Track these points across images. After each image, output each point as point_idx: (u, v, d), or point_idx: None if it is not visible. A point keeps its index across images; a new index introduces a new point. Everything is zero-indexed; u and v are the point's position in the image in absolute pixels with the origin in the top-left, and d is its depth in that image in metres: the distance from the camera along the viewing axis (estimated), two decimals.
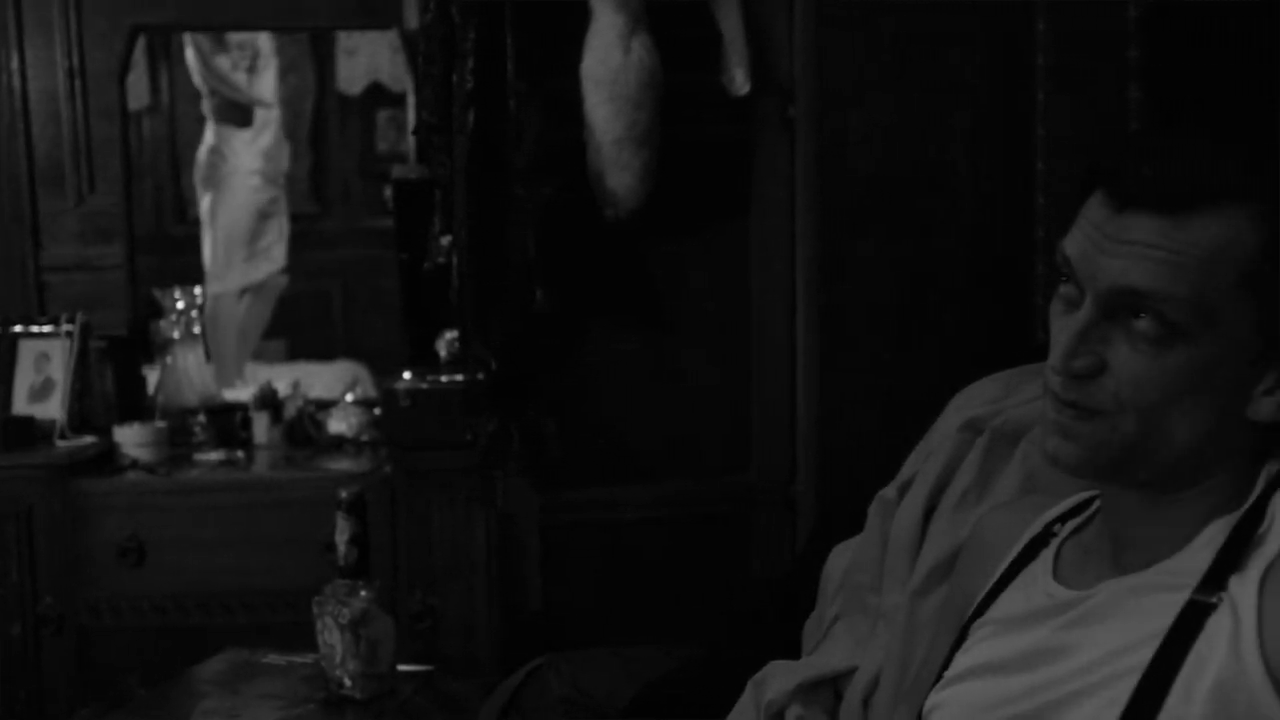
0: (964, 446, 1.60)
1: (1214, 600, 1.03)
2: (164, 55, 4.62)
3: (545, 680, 1.97)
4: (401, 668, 2.05)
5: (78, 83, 3.15)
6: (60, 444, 3.02)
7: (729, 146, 2.36)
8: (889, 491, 1.69)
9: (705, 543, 2.43)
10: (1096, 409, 1.06)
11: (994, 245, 2.36)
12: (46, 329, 3.13)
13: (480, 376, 2.23)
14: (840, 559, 1.76)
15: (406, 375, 2.82)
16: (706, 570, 2.43)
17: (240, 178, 4.17)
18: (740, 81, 2.22)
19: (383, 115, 4.94)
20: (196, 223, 4.29)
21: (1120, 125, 2.14)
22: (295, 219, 4.50)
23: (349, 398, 3.33)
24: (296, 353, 4.56)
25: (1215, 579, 1.04)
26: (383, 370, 3.27)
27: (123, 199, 3.24)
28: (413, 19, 3.01)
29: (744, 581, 2.40)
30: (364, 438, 3.19)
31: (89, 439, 3.06)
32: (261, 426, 3.21)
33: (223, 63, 4.08)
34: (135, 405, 3.23)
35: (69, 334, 3.09)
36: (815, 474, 2.38)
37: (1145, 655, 1.03)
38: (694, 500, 2.43)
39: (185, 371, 3.31)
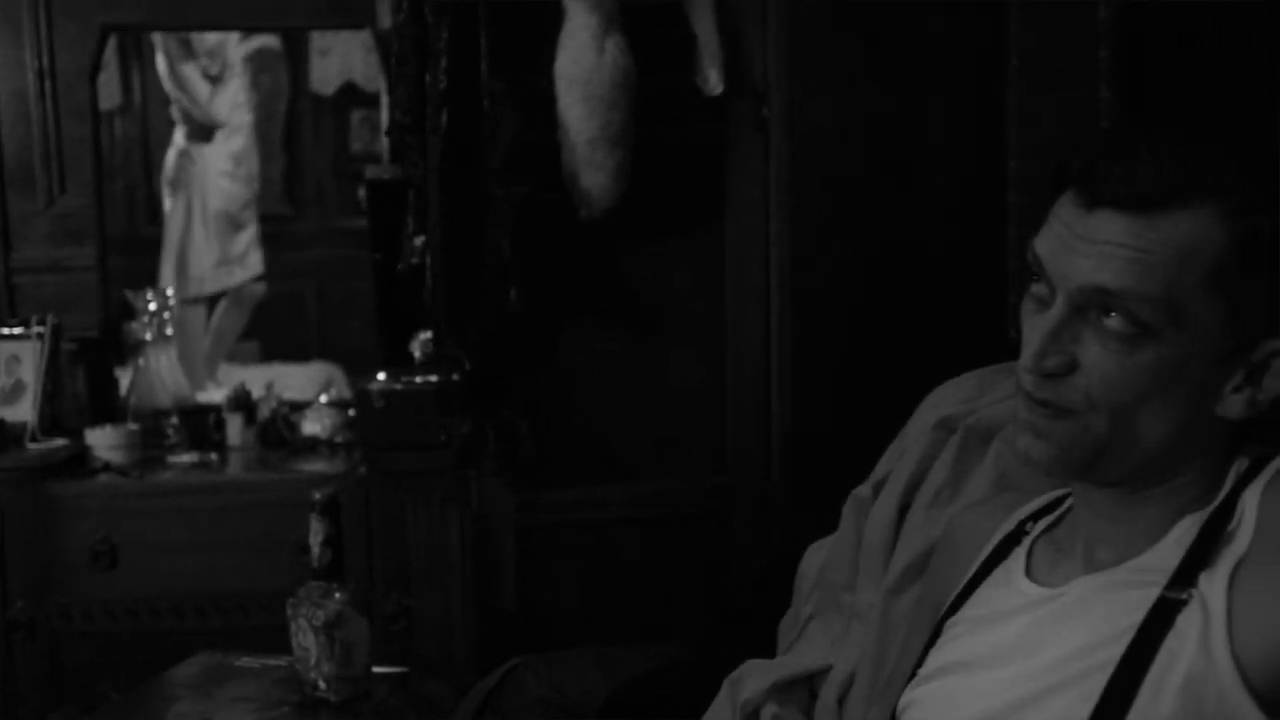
0: (937, 445, 1.61)
1: (1184, 597, 1.03)
2: (136, 55, 4.59)
3: (521, 680, 1.96)
4: (376, 669, 2.04)
5: (48, 83, 3.13)
6: (31, 447, 3.00)
7: (704, 147, 2.36)
8: (863, 490, 1.69)
9: (682, 542, 2.44)
10: (1068, 408, 1.07)
11: (967, 245, 2.37)
12: (17, 331, 3.10)
13: (455, 377, 2.22)
14: (815, 558, 1.76)
15: (381, 376, 2.81)
16: (684, 569, 2.43)
17: (209, 180, 4.15)
18: (714, 82, 2.22)
19: (356, 115, 4.92)
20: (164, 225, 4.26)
21: (1092, 125, 2.16)
22: (269, 220, 4.48)
23: (323, 399, 3.31)
24: (270, 354, 4.54)
25: (1185, 576, 1.05)
26: (357, 371, 3.25)
27: (94, 200, 3.21)
28: (386, 18, 3.00)
29: (720, 580, 2.41)
30: (338, 439, 3.18)
31: (60, 442, 3.04)
32: (235, 428, 3.19)
33: (189, 71, 4.04)
34: (107, 407, 3.21)
35: (40, 336, 3.07)
36: (789, 473, 2.39)
37: (1116, 651, 1.03)
38: (671, 500, 2.43)
39: (158, 373, 3.29)
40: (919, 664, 1.21)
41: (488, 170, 2.15)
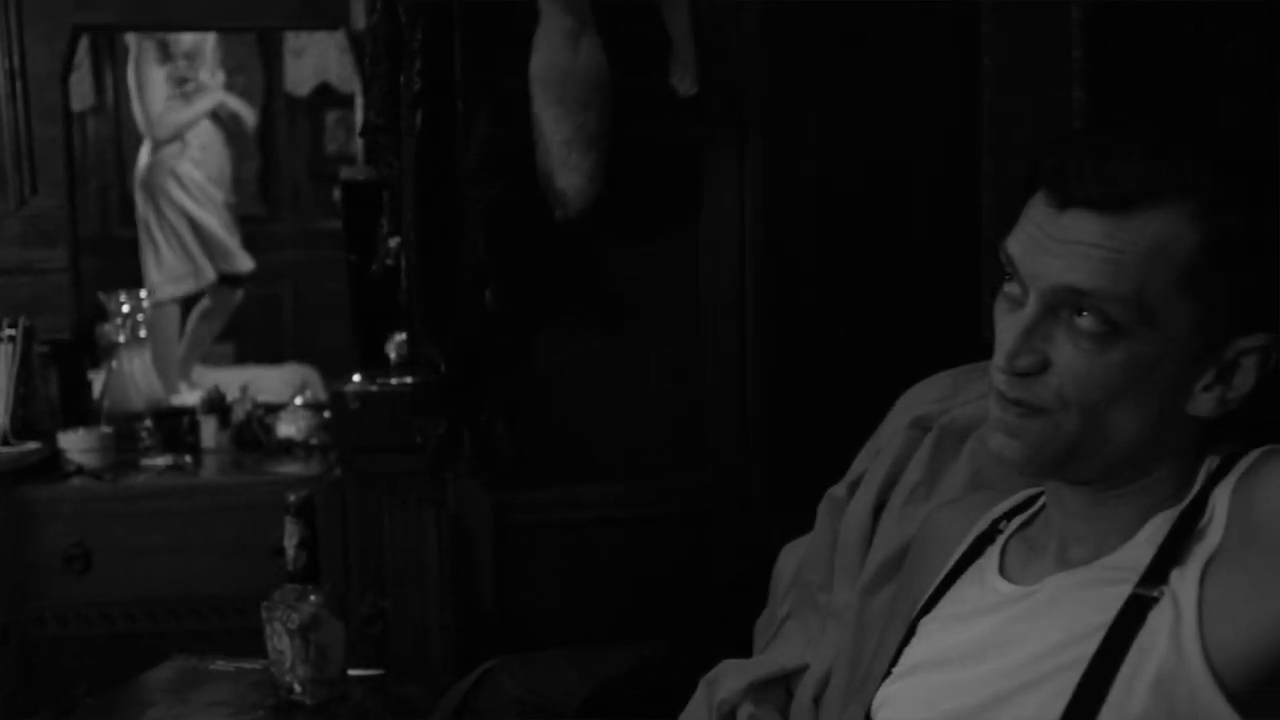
0: (912, 444, 1.61)
1: (1156, 594, 1.04)
2: (108, 55, 4.57)
3: (498, 681, 1.96)
4: (352, 672, 2.04)
5: (19, 84, 3.11)
6: (3, 450, 2.98)
7: (679, 147, 2.36)
8: (838, 489, 1.70)
9: (660, 542, 2.44)
10: (1040, 406, 1.07)
11: (941, 244, 2.38)
12: None
13: (430, 378, 2.22)
14: (791, 557, 1.77)
15: (356, 378, 2.80)
16: (661, 569, 2.43)
17: (182, 184, 4.12)
18: (688, 83, 2.22)
19: (331, 116, 4.92)
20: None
21: (1065, 125, 2.17)
22: (245, 221, 4.46)
23: (298, 401, 3.31)
24: (245, 356, 4.53)
25: (1157, 573, 1.05)
26: (333, 373, 3.25)
27: (66, 201, 3.20)
28: (360, 19, 2.99)
29: (698, 581, 2.41)
30: (313, 441, 3.18)
31: (32, 445, 3.02)
32: (209, 431, 3.18)
33: (157, 75, 4.00)
34: (80, 410, 3.20)
35: (12, 339, 3.05)
36: (766, 473, 2.39)
37: (1089, 648, 1.04)
38: (649, 500, 2.43)
39: (131, 376, 3.28)
40: (893, 662, 1.21)
41: (462, 171, 2.15)
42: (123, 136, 4.55)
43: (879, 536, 1.58)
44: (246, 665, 2.12)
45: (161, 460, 3.09)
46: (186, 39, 4.02)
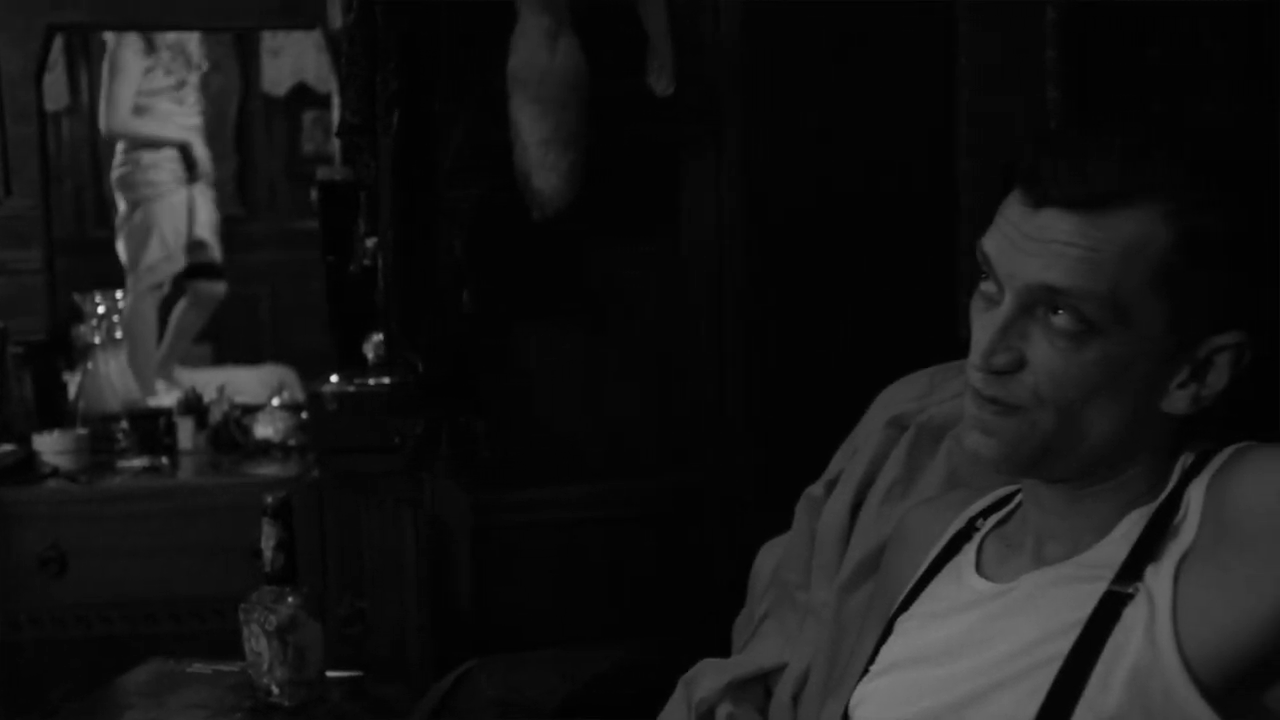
0: (889, 443, 1.61)
1: (1130, 591, 1.05)
2: (83, 55, 4.54)
3: (477, 682, 1.96)
4: (331, 673, 2.03)
5: None
6: None
7: (657, 147, 2.36)
8: (816, 488, 1.70)
9: (640, 542, 2.43)
10: (1016, 404, 1.08)
11: (919, 243, 2.38)
12: None
13: (408, 379, 2.21)
14: (769, 556, 1.77)
15: (334, 379, 2.80)
16: (642, 570, 2.43)
17: (161, 183, 4.10)
18: (665, 83, 2.22)
19: (309, 116, 4.90)
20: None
21: (1041, 125, 2.17)
22: (222, 221, 4.45)
23: (275, 402, 3.30)
24: (223, 357, 4.52)
25: (1132, 570, 1.06)
26: (311, 374, 3.24)
27: (41, 201, 3.18)
28: (337, 19, 2.99)
29: (678, 580, 2.41)
30: (291, 442, 3.17)
31: (7, 447, 3.00)
32: (186, 432, 3.17)
33: (135, 66, 3.97)
34: (55, 412, 3.18)
35: None
36: (745, 472, 2.40)
37: (1064, 645, 1.04)
38: (628, 500, 2.42)
39: (107, 377, 3.26)
40: (871, 660, 1.22)
41: (440, 171, 2.14)
42: (97, 137, 4.52)
43: (856, 535, 1.59)
44: (224, 667, 2.12)
45: (138, 462, 3.08)
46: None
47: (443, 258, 2.18)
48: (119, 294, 3.41)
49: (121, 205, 4.08)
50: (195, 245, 4.09)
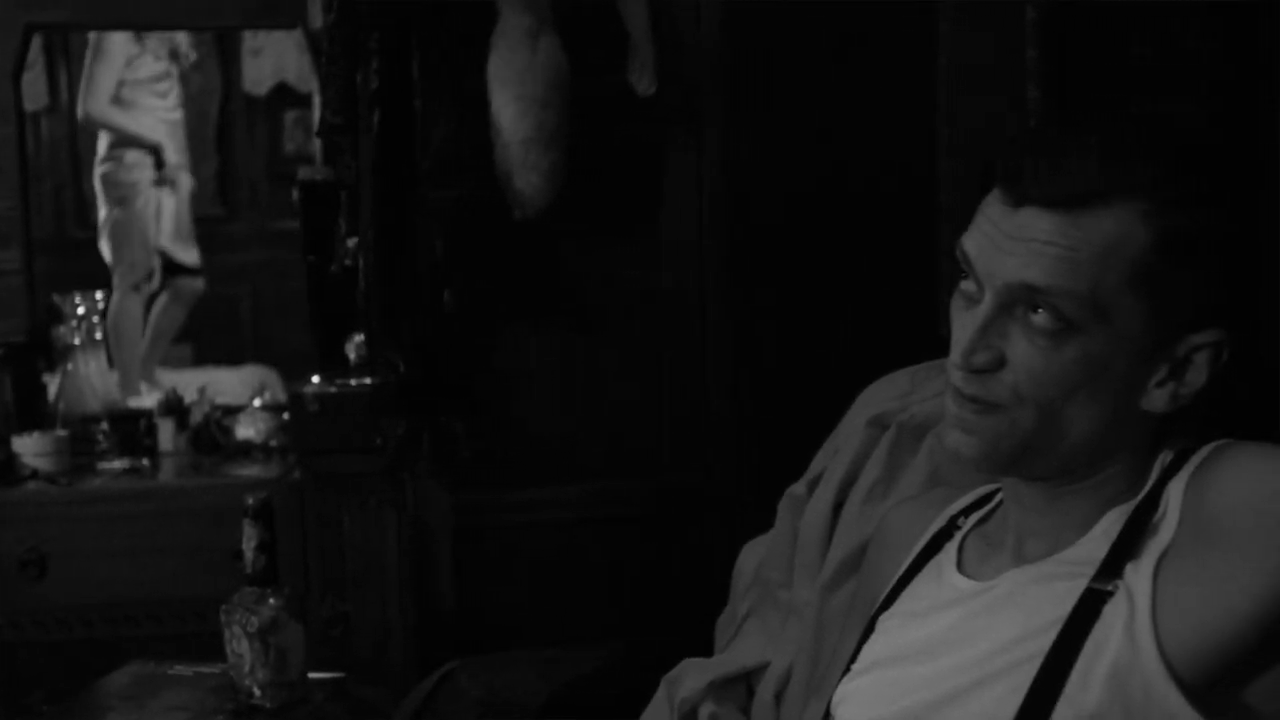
0: (871, 442, 1.62)
1: (1110, 588, 1.05)
2: (62, 54, 4.52)
3: (459, 683, 1.96)
4: (313, 675, 2.02)
5: None
6: None
7: (638, 146, 2.36)
8: (798, 488, 1.70)
9: (621, 543, 2.44)
10: (996, 403, 1.08)
11: (899, 243, 2.39)
12: None
13: (389, 379, 2.21)
14: (751, 556, 1.77)
15: (315, 379, 2.79)
16: (622, 569, 2.44)
17: (143, 181, 4.08)
18: (647, 82, 2.22)
19: (290, 116, 4.88)
20: (97, 226, 4.19)
21: (1021, 124, 2.18)
22: (202, 221, 4.43)
23: (257, 403, 3.29)
24: (203, 358, 4.50)
25: (1112, 567, 1.06)
26: (292, 375, 3.23)
27: (20, 202, 3.16)
28: (317, 18, 2.98)
29: (659, 580, 2.41)
30: (273, 443, 3.16)
31: None
32: (167, 434, 3.15)
33: (118, 51, 3.94)
34: (35, 414, 3.16)
35: None
36: (726, 472, 2.40)
37: (1045, 643, 1.05)
38: (610, 500, 2.43)
39: (87, 378, 3.24)
40: (853, 658, 1.22)
41: (420, 171, 2.14)
42: (77, 137, 4.50)
43: (838, 534, 1.59)
44: (205, 670, 2.10)
45: (118, 464, 3.06)
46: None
47: (424, 257, 2.18)
48: (99, 295, 3.39)
49: (104, 203, 4.07)
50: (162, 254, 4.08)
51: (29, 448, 3.00)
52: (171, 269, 4.10)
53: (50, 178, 4.65)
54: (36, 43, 3.44)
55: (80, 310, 3.27)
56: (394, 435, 2.22)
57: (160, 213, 4.04)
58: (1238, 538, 1.02)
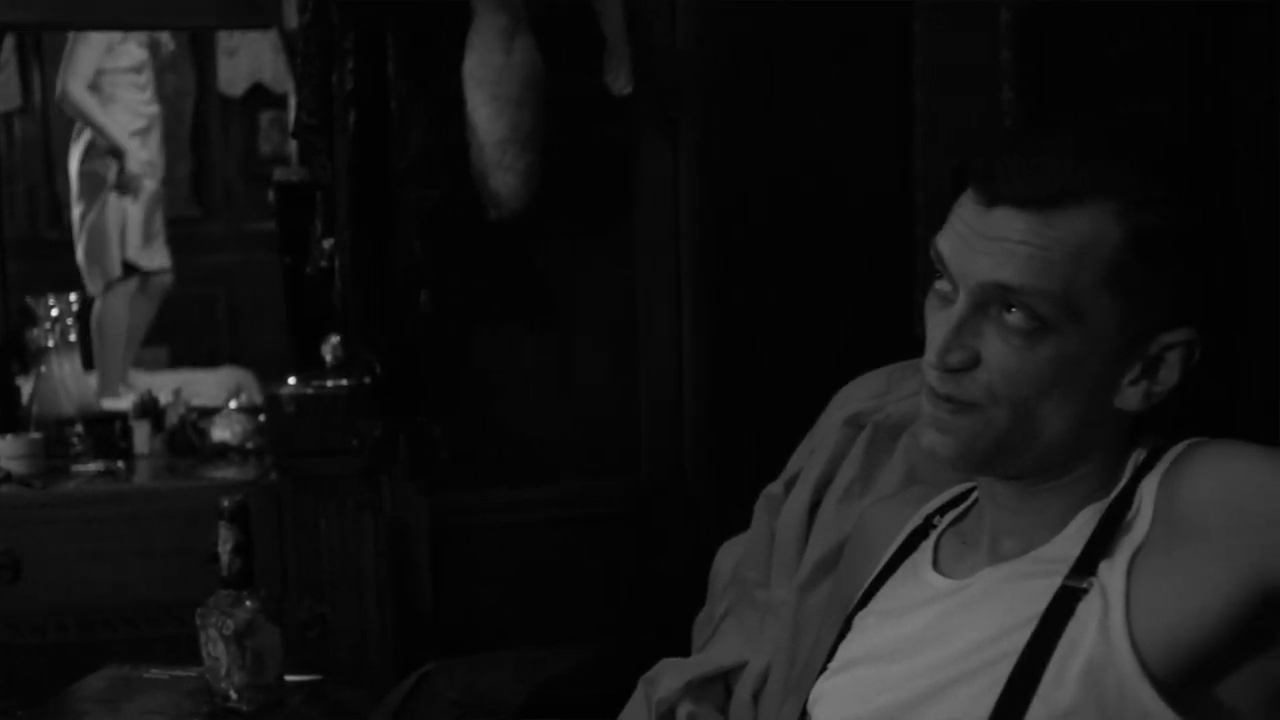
0: (847, 441, 1.62)
1: (1084, 585, 1.05)
2: (35, 55, 4.49)
3: (437, 685, 1.95)
4: (290, 678, 2.02)
5: None
6: None
7: (614, 146, 2.36)
8: (775, 487, 1.70)
9: (598, 542, 2.44)
10: (970, 402, 1.08)
11: (875, 242, 2.40)
12: None
13: (366, 381, 2.20)
14: (729, 555, 1.77)
15: (291, 381, 2.78)
16: (600, 570, 2.44)
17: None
18: (622, 82, 2.23)
19: (266, 117, 4.87)
20: (70, 227, 4.17)
21: (996, 125, 2.19)
22: (177, 222, 4.41)
23: (233, 405, 3.27)
24: (179, 360, 4.48)
25: (1086, 564, 1.07)
26: (269, 376, 3.22)
27: None
28: (293, 18, 2.96)
29: (636, 580, 2.41)
30: (249, 445, 3.14)
31: None
32: (142, 436, 3.14)
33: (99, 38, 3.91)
34: (9, 416, 3.14)
35: None
36: (703, 472, 2.40)
37: (1020, 640, 1.05)
38: (587, 500, 2.43)
39: (61, 380, 3.22)
40: (829, 657, 1.22)
41: (396, 172, 2.14)
42: (50, 138, 4.48)
43: (815, 533, 1.59)
44: (181, 673, 2.09)
45: (93, 466, 3.04)
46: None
47: (400, 258, 2.17)
48: (73, 296, 3.37)
49: (80, 203, 4.04)
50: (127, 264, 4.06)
51: (3, 450, 2.98)
52: (135, 272, 4.09)
53: (23, 178, 4.62)
54: (9, 43, 3.42)
55: (54, 312, 3.25)
56: (371, 436, 2.21)
57: (126, 221, 4.02)
58: (1210, 535, 1.02)
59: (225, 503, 1.93)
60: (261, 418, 3.11)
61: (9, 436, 3.01)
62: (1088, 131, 1.10)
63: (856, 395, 1.67)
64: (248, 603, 1.93)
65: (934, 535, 1.24)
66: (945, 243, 1.10)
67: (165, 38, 4.15)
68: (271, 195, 3.03)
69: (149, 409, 3.18)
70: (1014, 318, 1.06)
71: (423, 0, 2.16)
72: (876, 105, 2.40)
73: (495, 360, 2.36)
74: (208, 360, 4.32)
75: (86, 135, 4.02)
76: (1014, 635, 1.06)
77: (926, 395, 1.11)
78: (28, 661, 2.80)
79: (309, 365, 2.86)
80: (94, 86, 3.93)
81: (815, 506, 1.63)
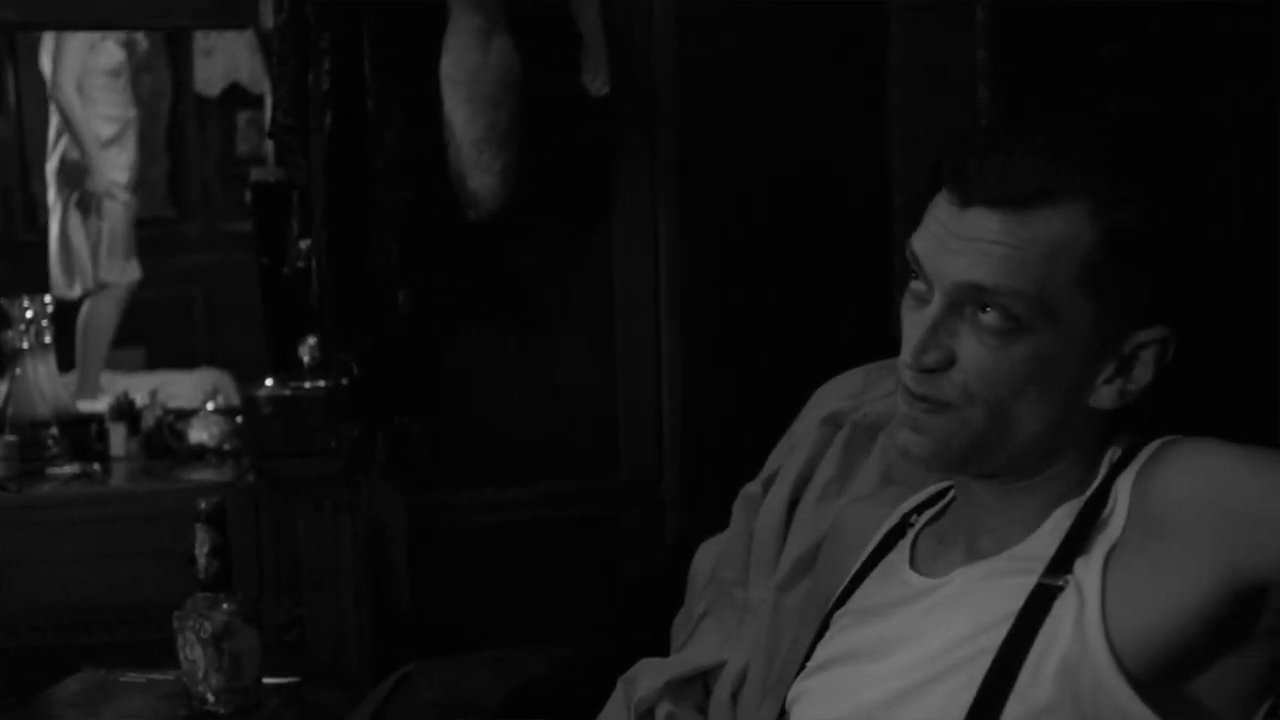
0: (825, 441, 1.63)
1: (1060, 583, 1.06)
2: (9, 55, 4.46)
3: (415, 686, 1.95)
4: (268, 680, 2.01)
5: None
6: None
7: (591, 147, 2.36)
8: (753, 487, 1.71)
9: (577, 542, 2.44)
10: (946, 401, 1.09)
11: (853, 242, 2.40)
12: None
13: (344, 382, 2.20)
14: (707, 555, 1.77)
15: (269, 382, 2.77)
16: (579, 570, 2.44)
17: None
18: (600, 83, 2.23)
19: (243, 117, 4.84)
20: (46, 230, 4.14)
21: (972, 124, 2.20)
22: (153, 223, 4.39)
23: (210, 406, 3.26)
24: (156, 361, 4.45)
25: (1062, 562, 1.07)
26: (246, 377, 3.20)
27: None
28: (269, 18, 2.95)
29: (616, 580, 2.41)
30: (226, 447, 3.13)
31: None
32: (118, 438, 3.12)
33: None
34: None
35: None
36: (682, 471, 2.41)
37: (996, 638, 1.05)
38: (566, 500, 2.43)
39: (36, 383, 3.19)
40: (808, 657, 1.22)
41: (373, 172, 2.13)
42: (25, 139, 4.44)
43: (793, 533, 1.60)
44: (158, 676, 2.09)
45: (69, 469, 3.02)
46: None
47: (377, 259, 2.17)
48: (48, 298, 3.34)
49: (58, 205, 4.02)
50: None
51: None
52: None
53: None
54: None
55: (29, 314, 3.23)
56: (348, 438, 2.21)
57: (100, 240, 4.00)
58: (1184, 532, 1.03)
59: (202, 505, 1.92)
60: (239, 419, 3.09)
61: None
62: (1061, 131, 1.10)
63: (834, 395, 1.68)
64: (225, 605, 1.93)
65: (911, 534, 1.24)
66: (920, 243, 1.10)
67: (141, 37, 4.12)
68: (248, 196, 3.02)
69: (125, 411, 3.17)
70: (989, 318, 1.06)
71: (399, 0, 2.15)
72: (854, 106, 2.41)
73: (473, 361, 2.36)
74: (184, 361, 4.29)
75: (63, 145, 3.99)
76: (990, 633, 1.06)
77: (902, 395, 1.11)
78: (2, 665, 2.78)
79: (286, 366, 2.85)
80: (77, 88, 3.92)
81: (793, 506, 1.63)
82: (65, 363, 3.59)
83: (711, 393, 2.41)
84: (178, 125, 4.84)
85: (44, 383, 3.22)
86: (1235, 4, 1.90)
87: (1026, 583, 1.07)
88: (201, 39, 4.64)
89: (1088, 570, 1.06)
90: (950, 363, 1.08)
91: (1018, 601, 1.06)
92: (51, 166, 4.07)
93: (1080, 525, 1.09)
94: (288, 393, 2.72)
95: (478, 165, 2.05)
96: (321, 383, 2.62)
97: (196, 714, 1.94)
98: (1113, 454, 1.13)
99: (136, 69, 4.23)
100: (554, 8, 2.23)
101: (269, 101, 3.47)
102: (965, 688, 1.05)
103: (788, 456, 1.68)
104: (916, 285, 1.11)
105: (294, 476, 2.68)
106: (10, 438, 3.03)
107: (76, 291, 3.96)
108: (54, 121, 4.07)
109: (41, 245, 4.10)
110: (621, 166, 2.39)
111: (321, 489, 2.58)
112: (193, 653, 1.93)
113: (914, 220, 1.13)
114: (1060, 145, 1.08)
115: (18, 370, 3.21)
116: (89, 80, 3.93)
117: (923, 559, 1.20)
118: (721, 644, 1.66)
